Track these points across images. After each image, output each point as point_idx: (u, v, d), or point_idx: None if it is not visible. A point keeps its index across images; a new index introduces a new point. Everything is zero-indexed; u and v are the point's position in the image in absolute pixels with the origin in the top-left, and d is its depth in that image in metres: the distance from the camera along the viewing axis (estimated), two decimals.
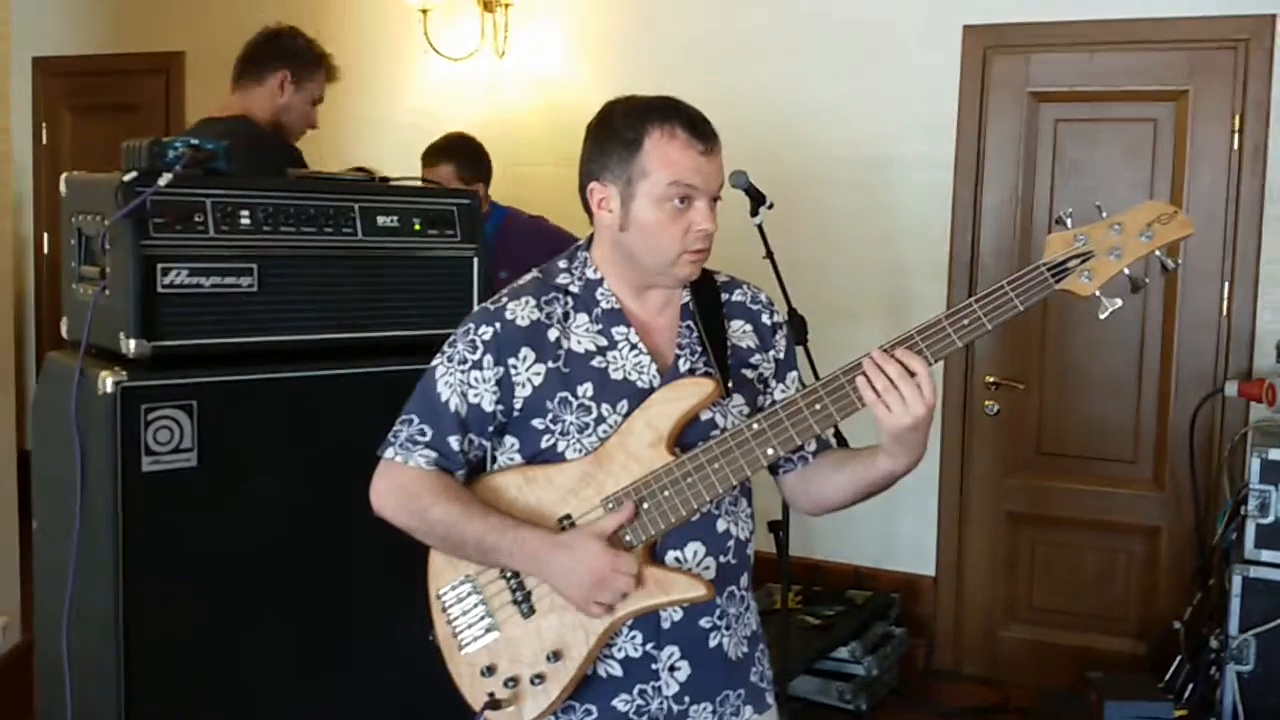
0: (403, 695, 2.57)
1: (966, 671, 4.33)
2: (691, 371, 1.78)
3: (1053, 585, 4.25)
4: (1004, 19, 4.13)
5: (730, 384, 1.79)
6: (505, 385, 1.75)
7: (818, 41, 4.40)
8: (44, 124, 5.98)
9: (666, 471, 1.70)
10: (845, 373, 1.66)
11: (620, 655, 1.76)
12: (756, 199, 3.38)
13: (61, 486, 2.40)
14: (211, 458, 2.38)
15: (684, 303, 1.84)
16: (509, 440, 1.79)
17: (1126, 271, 1.65)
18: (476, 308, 1.87)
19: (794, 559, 3.50)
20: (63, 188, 2.61)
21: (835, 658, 3.96)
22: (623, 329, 1.79)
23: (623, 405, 1.74)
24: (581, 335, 1.78)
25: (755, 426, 1.70)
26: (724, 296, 1.87)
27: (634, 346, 1.78)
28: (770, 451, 1.70)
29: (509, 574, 1.76)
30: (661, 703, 1.77)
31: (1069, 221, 1.65)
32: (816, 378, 1.73)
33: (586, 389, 1.74)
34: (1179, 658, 3.61)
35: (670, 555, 1.74)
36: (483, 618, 1.78)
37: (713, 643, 1.79)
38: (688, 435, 1.73)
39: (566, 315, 1.79)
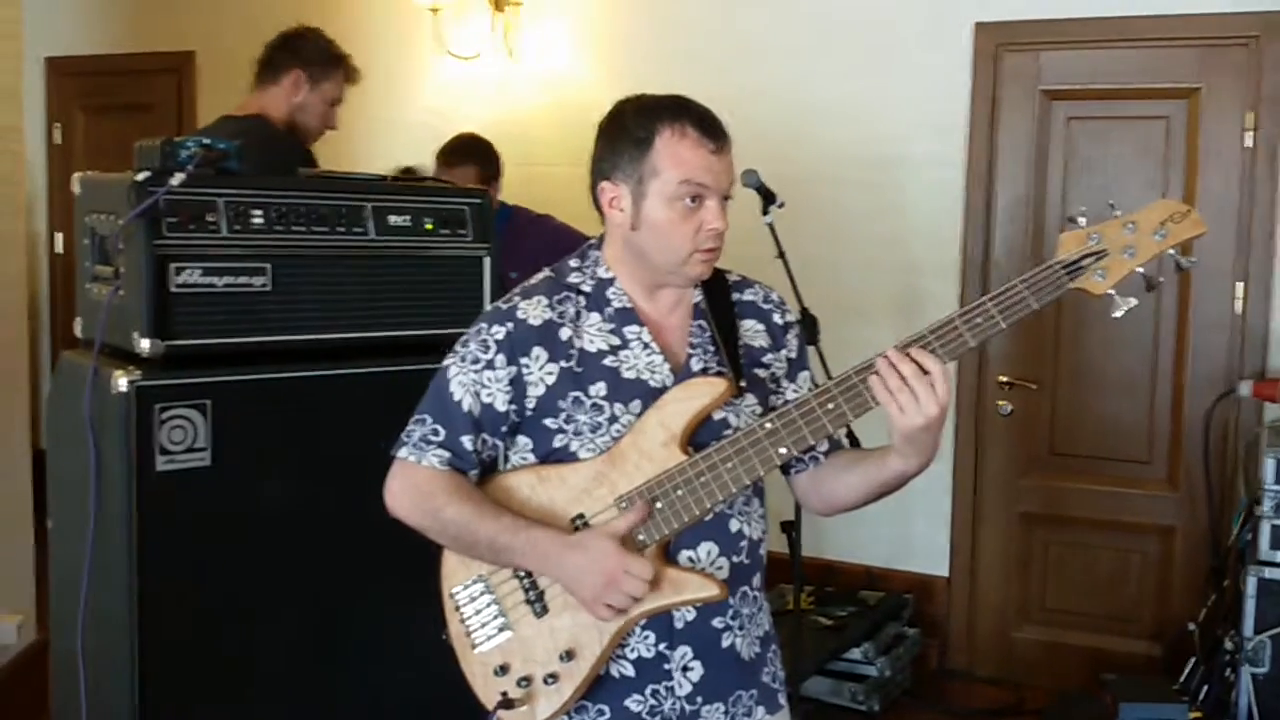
0: (416, 694, 2.57)
1: (980, 672, 4.32)
2: (704, 371, 1.78)
3: (1066, 586, 4.24)
4: (1015, 16, 4.12)
5: (743, 383, 1.78)
6: (518, 384, 1.75)
7: (827, 40, 4.39)
8: (57, 124, 6.00)
9: (680, 471, 1.70)
10: (858, 372, 1.66)
11: (633, 655, 1.75)
12: (767, 198, 3.38)
13: (76, 486, 2.41)
14: (225, 457, 2.39)
15: (695, 302, 1.83)
16: (522, 440, 1.79)
17: (1140, 270, 1.64)
18: (489, 307, 1.87)
19: (806, 559, 3.49)
20: (75, 187, 2.62)
21: (848, 658, 3.95)
22: (635, 328, 1.78)
23: (635, 405, 1.74)
24: (594, 334, 1.77)
25: (768, 426, 1.69)
26: (735, 296, 1.87)
27: (646, 346, 1.77)
28: (783, 451, 1.69)
29: (522, 573, 1.76)
30: (674, 703, 1.76)
31: (1082, 220, 1.65)
32: (829, 377, 1.72)
33: (599, 388, 1.74)
34: (1193, 659, 3.59)
35: (683, 555, 1.74)
36: (496, 617, 1.78)
37: (725, 643, 1.78)
38: (701, 435, 1.73)
39: (579, 314, 1.79)
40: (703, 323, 1.82)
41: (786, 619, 3.38)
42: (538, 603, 1.75)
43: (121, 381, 2.28)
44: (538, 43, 4.83)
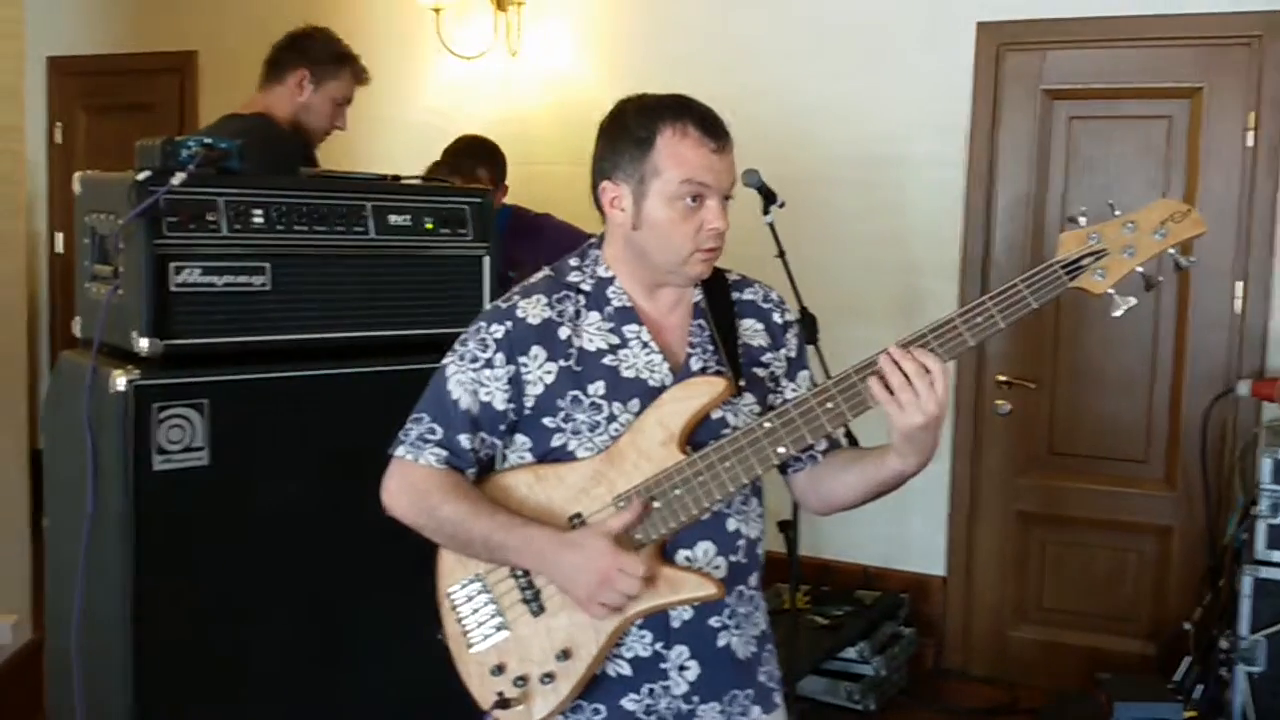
0: (412, 694, 2.57)
1: (976, 672, 4.32)
2: (703, 370, 1.78)
3: (1063, 585, 4.24)
4: (1017, 16, 4.12)
5: (742, 382, 1.79)
6: (516, 383, 1.75)
7: (830, 40, 4.39)
8: (58, 123, 6.00)
9: (678, 470, 1.70)
10: (858, 371, 1.66)
11: (629, 655, 1.75)
12: (768, 198, 3.38)
13: (73, 485, 2.41)
14: (223, 456, 2.39)
15: (695, 301, 1.84)
16: (520, 439, 1.79)
17: (1140, 270, 1.64)
18: (488, 306, 1.87)
19: (803, 559, 3.50)
20: (76, 187, 2.62)
21: (844, 658, 3.95)
22: (634, 327, 1.78)
23: (634, 404, 1.74)
24: (593, 333, 1.78)
25: (767, 425, 1.69)
26: (735, 295, 1.87)
27: (646, 345, 1.78)
28: (782, 450, 1.69)
29: (519, 572, 1.76)
30: (670, 702, 1.76)
31: (1082, 220, 1.65)
32: (828, 376, 1.72)
33: (598, 387, 1.74)
34: (1189, 659, 3.60)
35: (681, 554, 1.74)
36: (492, 616, 1.78)
37: (721, 642, 1.78)
38: (699, 434, 1.73)
39: (578, 313, 1.79)
40: (702, 322, 1.82)
41: (783, 618, 3.39)
42: (534, 602, 1.75)
43: (120, 381, 2.28)
44: (540, 42, 4.83)
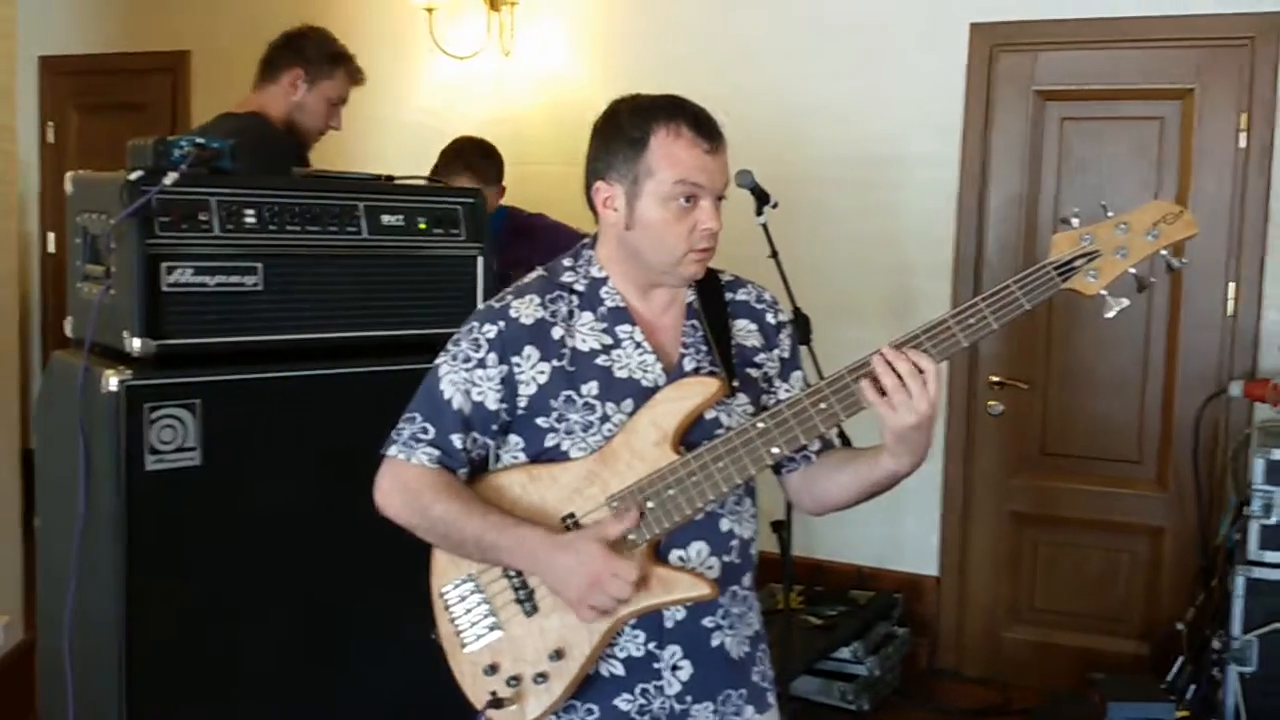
0: (405, 694, 2.57)
1: (969, 672, 4.33)
2: (697, 370, 1.78)
3: (1056, 586, 4.24)
4: (1010, 17, 4.12)
5: (735, 383, 1.79)
6: (509, 383, 1.75)
7: (823, 41, 4.39)
8: (50, 123, 5.99)
9: (671, 470, 1.70)
10: (851, 371, 1.66)
11: (623, 654, 1.75)
12: (761, 198, 3.38)
13: (65, 485, 2.41)
14: (215, 457, 2.38)
15: (688, 302, 1.84)
16: (513, 439, 1.79)
17: (1132, 271, 1.64)
18: (481, 306, 1.87)
19: (797, 559, 3.50)
20: (68, 186, 2.61)
21: (837, 658, 3.96)
22: (627, 327, 1.78)
23: (627, 404, 1.74)
24: (586, 334, 1.77)
25: (760, 425, 1.69)
26: (728, 295, 1.87)
27: (639, 345, 1.78)
28: (775, 450, 1.69)
29: (512, 572, 1.76)
30: (663, 702, 1.76)
31: (1075, 221, 1.65)
32: (821, 377, 1.73)
33: (591, 387, 1.74)
34: (1181, 659, 3.60)
35: (674, 554, 1.74)
36: (485, 616, 1.77)
37: (715, 642, 1.78)
38: (693, 434, 1.73)
39: (571, 313, 1.79)
40: (695, 322, 1.82)
41: (776, 618, 3.40)
42: (527, 602, 1.75)
43: (112, 381, 2.28)
44: (533, 42, 4.83)
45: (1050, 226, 4.03)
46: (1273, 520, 3.29)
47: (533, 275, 1.85)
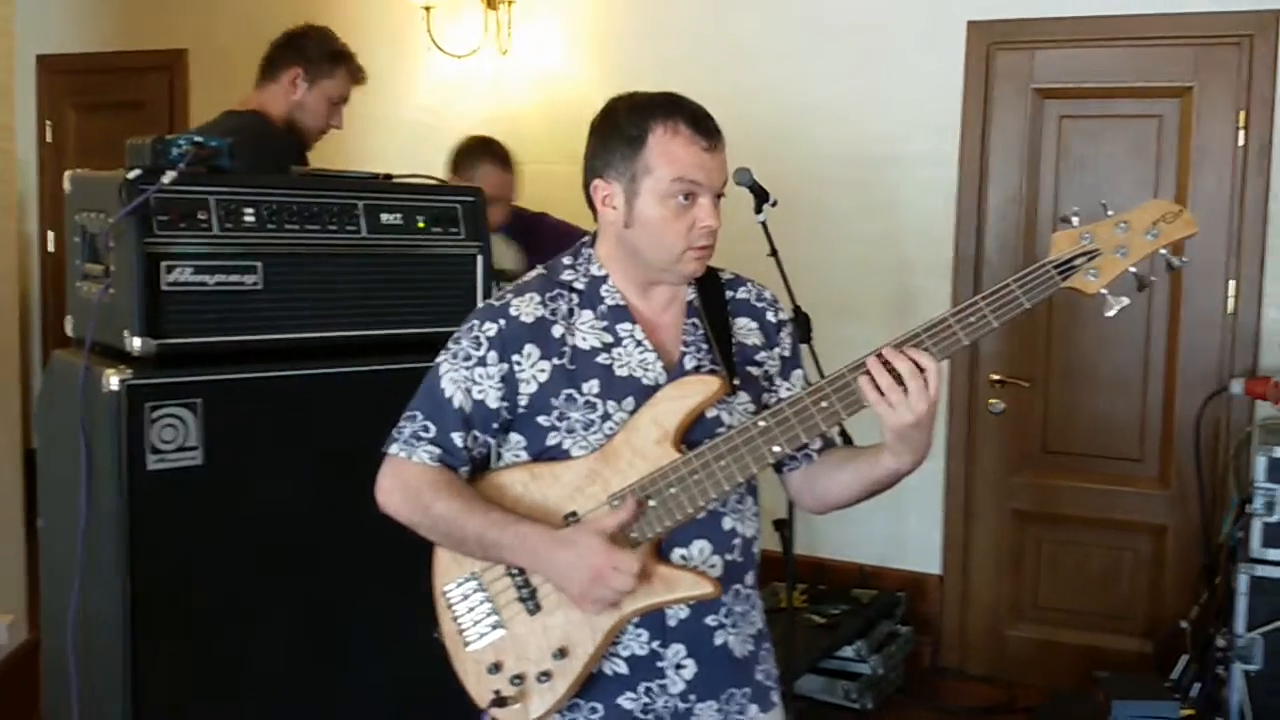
0: (409, 692, 2.57)
1: (972, 670, 4.33)
2: (698, 368, 1.78)
3: (1059, 584, 4.24)
4: (1008, 15, 4.12)
5: (736, 381, 1.78)
6: (509, 382, 1.75)
7: (821, 39, 4.39)
8: (48, 122, 5.99)
9: (673, 469, 1.70)
10: (852, 370, 1.66)
11: (626, 653, 1.75)
12: (760, 196, 3.38)
13: (67, 484, 2.41)
14: (216, 456, 2.38)
15: (689, 300, 1.83)
16: (515, 437, 1.79)
17: (1133, 269, 1.64)
18: (481, 304, 1.87)
19: (799, 557, 3.50)
20: (67, 185, 2.61)
21: (841, 656, 3.96)
22: (628, 326, 1.78)
23: (628, 402, 1.73)
24: (587, 332, 1.77)
25: (762, 424, 1.69)
26: (729, 294, 1.87)
27: (639, 343, 1.77)
28: (777, 449, 1.69)
29: (515, 571, 1.76)
30: (667, 701, 1.76)
31: (1075, 220, 1.65)
32: (821, 376, 1.72)
33: (592, 386, 1.74)
34: (1185, 657, 3.60)
35: (676, 553, 1.74)
36: (489, 615, 1.77)
37: (718, 641, 1.78)
38: (694, 432, 1.73)
39: (571, 312, 1.79)
40: (696, 320, 1.82)
41: (779, 617, 3.39)
42: (530, 600, 1.75)
43: (112, 380, 2.27)
44: (531, 40, 4.82)
45: (1049, 225, 4.03)
46: (1275, 518, 3.29)
47: (532, 273, 1.85)
